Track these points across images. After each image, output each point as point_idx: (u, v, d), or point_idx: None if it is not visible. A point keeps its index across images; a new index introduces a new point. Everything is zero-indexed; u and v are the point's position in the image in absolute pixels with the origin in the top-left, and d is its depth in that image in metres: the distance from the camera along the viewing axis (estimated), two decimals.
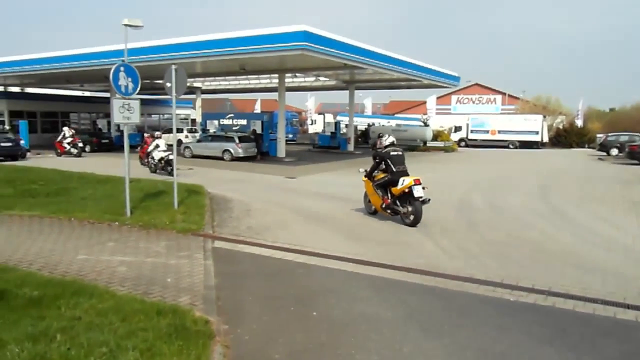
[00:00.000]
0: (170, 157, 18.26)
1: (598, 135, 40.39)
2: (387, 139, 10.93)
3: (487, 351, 4.60)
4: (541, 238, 9.19)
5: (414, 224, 9.91)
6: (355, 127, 39.02)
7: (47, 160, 24.16)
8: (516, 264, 7.48)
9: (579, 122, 48.99)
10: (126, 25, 14.56)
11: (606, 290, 6.26)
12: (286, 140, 41.85)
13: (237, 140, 26.43)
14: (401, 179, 10.10)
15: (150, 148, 20.48)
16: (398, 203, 10.20)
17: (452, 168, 24.07)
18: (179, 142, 34.50)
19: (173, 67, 10.35)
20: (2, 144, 25.22)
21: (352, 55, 22.55)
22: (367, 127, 43.71)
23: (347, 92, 36.88)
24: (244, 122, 37.95)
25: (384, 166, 10.58)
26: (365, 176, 11.17)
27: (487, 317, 5.42)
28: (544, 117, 44.65)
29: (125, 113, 9.71)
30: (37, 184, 14.38)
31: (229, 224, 9.96)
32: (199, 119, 44.09)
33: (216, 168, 21.99)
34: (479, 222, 10.56)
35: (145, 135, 23.50)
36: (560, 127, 48.82)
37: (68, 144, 27.74)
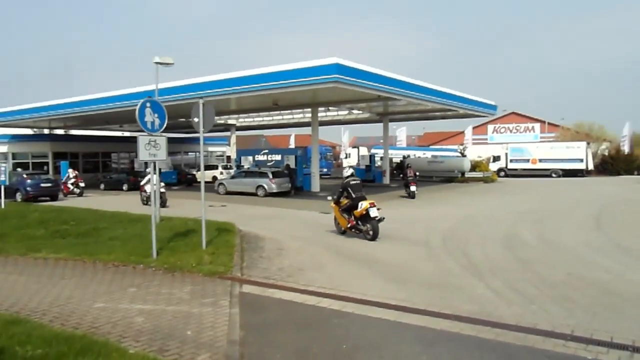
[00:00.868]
0: (162, 190, 20.02)
1: None
2: (348, 171, 13.30)
3: None
4: (608, 278, 8.13)
5: (373, 239, 11.77)
6: (390, 159, 38.24)
7: (86, 200, 24.36)
8: (585, 310, 6.48)
9: (626, 148, 46.78)
10: (157, 63, 14.65)
11: None
12: (320, 175, 41.50)
13: (270, 176, 26.06)
14: (360, 203, 12.12)
15: (143, 182, 22.42)
16: (360, 223, 12.12)
17: (494, 199, 22.90)
18: (214, 178, 34.62)
19: (200, 102, 9.99)
20: (42, 185, 25.71)
21: (385, 86, 22.06)
22: (402, 159, 42.84)
23: (381, 124, 36.35)
24: (278, 157, 37.79)
25: (346, 194, 12.56)
26: (334, 203, 13.03)
27: None
28: (588, 144, 42.80)
29: (151, 150, 9.34)
30: (68, 225, 14.21)
31: (259, 265, 9.30)
32: (233, 156, 44.32)
33: (249, 204, 21.57)
34: (532, 260, 9.54)
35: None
36: (606, 153, 46.70)
37: (72, 184, 28.50)
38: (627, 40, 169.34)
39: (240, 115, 38.97)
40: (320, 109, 31.24)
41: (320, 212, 18.43)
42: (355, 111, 34.77)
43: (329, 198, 13.31)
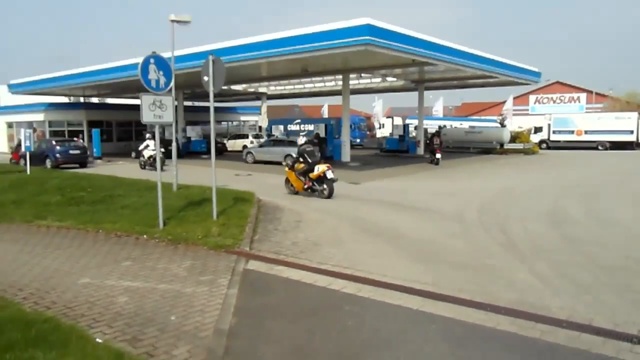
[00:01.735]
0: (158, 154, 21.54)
1: None
2: (301, 140, 15.25)
3: None
4: None
5: (329, 196, 13.17)
6: (425, 129, 36.64)
7: (112, 167, 24.13)
8: None
9: None
10: (173, 21, 13.74)
11: None
12: (353, 145, 40.20)
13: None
14: (316, 167, 13.37)
15: (141, 147, 23.92)
16: (315, 184, 13.46)
17: (535, 172, 21.32)
18: (244, 147, 33.97)
19: (210, 57, 9.03)
20: (71, 152, 25.62)
21: (421, 50, 20.58)
22: (437, 129, 41.09)
23: (416, 94, 34.71)
24: (311, 127, 36.80)
25: (302, 160, 13.75)
26: (289, 168, 14.25)
27: None
28: None
29: (156, 111, 8.50)
30: (85, 191, 13.72)
31: (271, 239, 8.44)
32: (264, 125, 43.58)
33: (276, 173, 20.70)
34: (582, 240, 8.32)
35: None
36: None
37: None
38: None
39: (271, 83, 37.98)
40: (352, 76, 29.92)
41: (349, 182, 17.46)
42: (389, 78, 33.21)
43: (283, 163, 15.24)
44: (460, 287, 5.83)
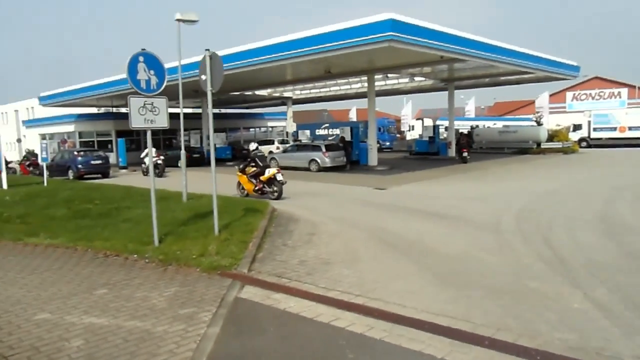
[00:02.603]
0: (159, 161, 23.66)
1: None
2: (253, 146, 15.76)
3: None
4: None
5: (278, 198, 13.83)
6: (457, 130, 35.03)
7: (134, 177, 23.64)
8: None
9: None
10: (179, 20, 12.91)
11: None
12: (382, 148, 38.84)
13: (323, 149, 24.05)
14: (267, 170, 14.17)
15: (143, 154, 25.02)
16: (266, 186, 14.17)
17: (578, 172, 19.63)
18: (270, 153, 33.11)
19: (207, 54, 8.05)
20: (93, 162, 25.26)
21: (449, 45, 19.24)
22: (469, 129, 39.31)
23: (447, 94, 33.20)
24: (337, 131, 35.71)
25: (253, 163, 14.54)
26: (240, 172, 14.91)
27: None
28: None
29: (147, 115, 7.57)
30: (92, 204, 13.01)
31: (277, 257, 7.35)
32: (290, 130, 42.78)
33: (300, 180, 19.73)
34: None
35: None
36: None
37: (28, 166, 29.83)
38: None
39: (296, 87, 37.13)
40: (378, 76, 28.72)
41: (375, 188, 16.31)
42: (417, 78, 31.83)
43: (235, 167, 15.81)
44: (499, 322, 4.61)
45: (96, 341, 4.36)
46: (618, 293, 5.33)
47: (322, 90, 39.26)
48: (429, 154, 32.02)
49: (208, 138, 34.72)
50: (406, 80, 32.64)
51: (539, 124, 36.48)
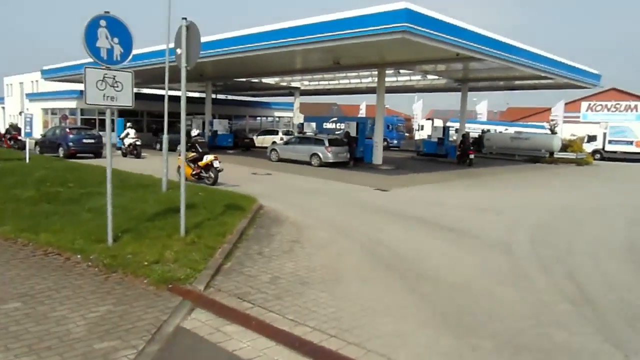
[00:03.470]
0: (137, 143, 24.45)
1: None
2: (194, 132, 16.39)
3: None
4: None
5: (214, 183, 14.34)
6: (467, 133, 33.76)
7: (127, 159, 22.53)
8: None
9: None
10: None
11: None
12: (389, 146, 37.51)
13: (326, 144, 22.88)
14: (205, 156, 14.65)
15: (122, 135, 25.05)
16: (203, 172, 14.77)
17: (594, 186, 18.38)
18: (273, 144, 31.90)
19: (184, 24, 6.90)
20: (85, 141, 24.19)
21: (466, 42, 17.97)
22: (480, 133, 37.96)
23: (459, 95, 31.89)
24: (344, 126, 34.51)
25: (193, 149, 14.98)
26: (179, 155, 15.64)
27: None
28: None
29: (107, 90, 6.42)
30: (65, 187, 11.93)
31: (246, 269, 6.20)
32: (296, 121, 41.61)
33: (299, 174, 18.61)
34: None
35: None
36: None
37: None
38: None
39: (304, 77, 35.89)
40: (389, 72, 27.45)
41: (375, 188, 15.16)
42: (430, 76, 30.54)
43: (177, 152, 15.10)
44: None
45: None
46: None
47: (331, 82, 38.05)
48: (437, 155, 30.76)
49: (210, 124, 33.77)
50: (418, 77, 31.33)
51: (554, 132, 35.11)
